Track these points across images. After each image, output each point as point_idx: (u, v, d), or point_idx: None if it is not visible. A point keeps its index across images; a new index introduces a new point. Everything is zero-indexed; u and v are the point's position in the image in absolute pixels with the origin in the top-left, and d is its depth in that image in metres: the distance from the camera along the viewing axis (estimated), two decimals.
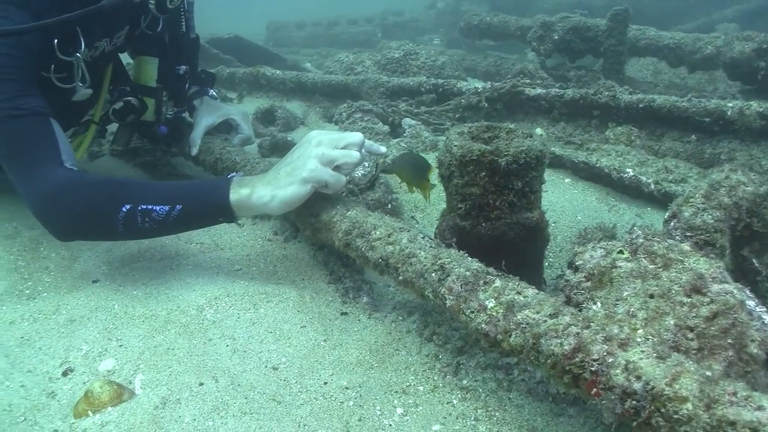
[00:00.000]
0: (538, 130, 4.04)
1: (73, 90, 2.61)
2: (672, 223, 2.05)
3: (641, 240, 1.63)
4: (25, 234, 2.87)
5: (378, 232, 2.03)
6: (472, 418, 1.81)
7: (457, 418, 1.82)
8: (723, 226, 1.97)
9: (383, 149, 2.44)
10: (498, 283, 1.65)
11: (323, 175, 2.17)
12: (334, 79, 5.15)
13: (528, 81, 4.62)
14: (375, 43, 9.64)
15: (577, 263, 1.65)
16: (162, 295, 2.36)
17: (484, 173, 2.04)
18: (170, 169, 3.82)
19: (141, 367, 1.97)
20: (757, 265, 2.14)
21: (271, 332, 2.16)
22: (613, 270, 1.60)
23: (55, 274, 2.59)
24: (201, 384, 1.89)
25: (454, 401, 1.89)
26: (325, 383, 1.95)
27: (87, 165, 3.86)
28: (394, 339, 2.17)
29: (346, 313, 2.32)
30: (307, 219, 2.37)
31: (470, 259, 1.82)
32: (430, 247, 1.91)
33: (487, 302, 1.61)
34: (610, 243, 1.68)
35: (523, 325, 1.50)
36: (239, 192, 2.23)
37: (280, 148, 4.02)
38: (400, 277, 1.91)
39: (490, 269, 1.74)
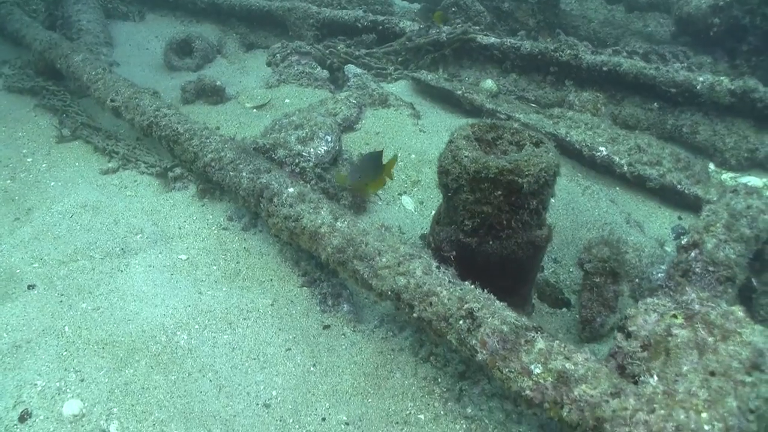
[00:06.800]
0: (489, 82, 3.96)
1: None
2: (693, 254, 2.08)
3: (697, 307, 1.62)
4: None
5: (384, 260, 1.93)
6: None
7: None
8: (743, 261, 2.02)
9: None
10: (542, 343, 1.62)
11: None
12: (255, 4, 4.77)
13: (470, 24, 4.50)
14: None
15: (630, 329, 1.63)
16: (118, 311, 2.15)
17: (500, 192, 1.97)
18: (83, 117, 3.49)
19: (114, 411, 1.81)
20: (755, 283, 2.23)
21: (254, 359, 2.04)
22: (669, 338, 1.59)
23: None
24: None
25: None
26: (324, 419, 1.89)
27: None
28: (387, 360, 2.11)
29: (328, 326, 2.23)
30: (283, 221, 2.23)
31: (499, 304, 1.77)
32: (450, 282, 1.84)
33: (532, 367, 1.58)
34: (660, 303, 1.67)
35: (581, 404, 1.49)
36: None
37: (207, 94, 3.73)
38: (415, 314, 1.84)
39: (526, 321, 1.70)
